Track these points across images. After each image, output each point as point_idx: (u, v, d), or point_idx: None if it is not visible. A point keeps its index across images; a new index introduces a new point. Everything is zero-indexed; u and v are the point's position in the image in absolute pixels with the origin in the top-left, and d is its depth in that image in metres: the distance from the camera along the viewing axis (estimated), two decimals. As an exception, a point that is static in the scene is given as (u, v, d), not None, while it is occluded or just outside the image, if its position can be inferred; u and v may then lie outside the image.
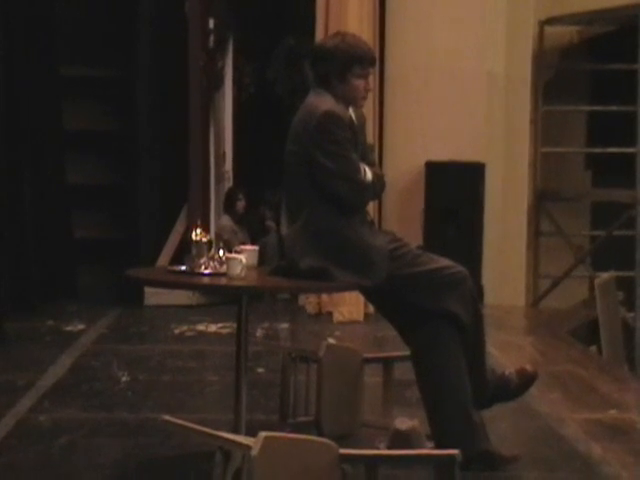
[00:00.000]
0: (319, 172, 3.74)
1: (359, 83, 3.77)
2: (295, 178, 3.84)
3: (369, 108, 7.42)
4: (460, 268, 3.84)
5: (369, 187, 3.79)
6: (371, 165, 3.88)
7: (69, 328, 6.80)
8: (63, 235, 8.12)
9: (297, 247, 3.79)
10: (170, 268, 4.08)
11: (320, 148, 3.72)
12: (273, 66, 9.31)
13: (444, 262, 3.84)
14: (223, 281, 3.77)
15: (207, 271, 3.81)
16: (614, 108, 7.96)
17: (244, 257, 3.79)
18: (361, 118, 3.91)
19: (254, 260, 3.96)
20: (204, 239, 3.84)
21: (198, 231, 3.85)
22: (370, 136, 7.48)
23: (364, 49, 3.80)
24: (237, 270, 3.73)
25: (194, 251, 3.84)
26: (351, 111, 3.83)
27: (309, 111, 3.77)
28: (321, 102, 3.75)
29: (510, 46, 7.86)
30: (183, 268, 3.88)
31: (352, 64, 3.75)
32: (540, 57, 8.17)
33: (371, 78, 3.83)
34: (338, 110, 3.74)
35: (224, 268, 3.78)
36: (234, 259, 3.76)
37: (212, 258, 3.83)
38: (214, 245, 3.91)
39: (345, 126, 3.73)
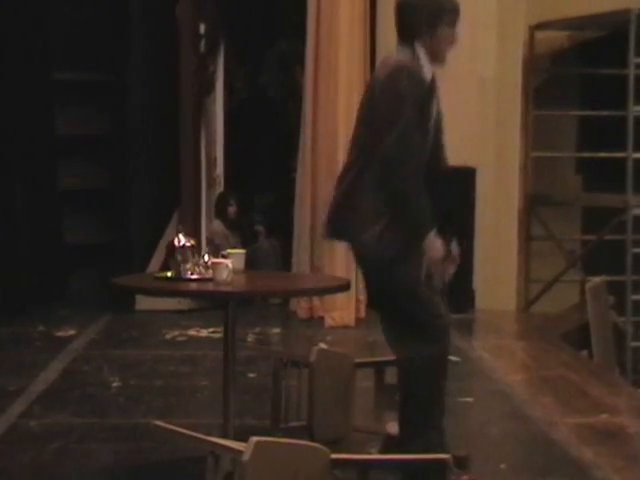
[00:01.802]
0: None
1: (448, 33, 3.80)
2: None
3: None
4: (444, 323, 3.81)
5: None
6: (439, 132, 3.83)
7: (60, 333, 6.79)
8: (54, 239, 8.10)
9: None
10: (157, 275, 4.07)
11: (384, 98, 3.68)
12: (265, 70, 9.31)
13: (435, 309, 3.79)
14: (210, 287, 3.77)
15: (193, 277, 3.81)
16: (604, 113, 7.98)
17: (230, 262, 3.79)
18: (435, 80, 3.88)
19: (241, 264, 3.96)
20: (187, 244, 3.83)
21: (181, 236, 3.85)
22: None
23: (452, 3, 3.84)
24: (223, 275, 3.73)
25: (179, 257, 3.83)
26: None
27: (384, 64, 3.79)
28: (396, 56, 3.77)
29: (501, 51, 7.88)
30: (168, 274, 3.87)
31: (443, 13, 3.78)
32: (531, 62, 8.19)
33: (457, 28, 3.83)
34: (408, 63, 3.73)
35: (210, 273, 3.78)
36: (220, 264, 3.76)
37: (198, 263, 3.82)
38: (205, 250, 3.91)
39: (416, 83, 3.70)
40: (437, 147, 3.87)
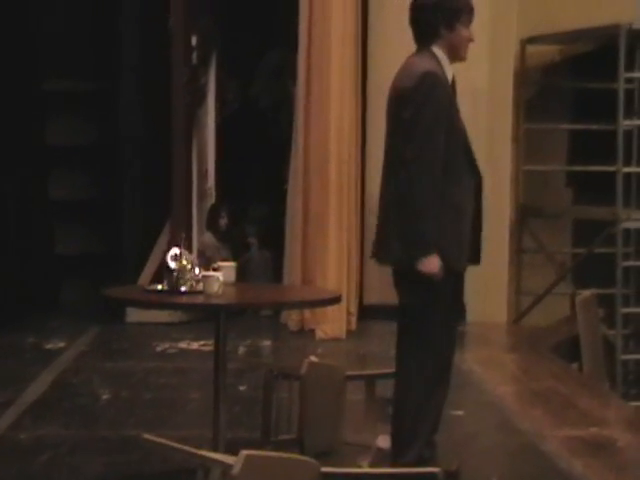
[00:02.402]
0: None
1: (466, 32, 3.85)
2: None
3: (352, 122, 7.45)
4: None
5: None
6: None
7: (50, 345, 6.77)
8: (45, 250, 8.09)
9: None
10: (148, 287, 4.07)
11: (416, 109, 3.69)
12: (257, 82, 9.32)
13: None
14: (200, 299, 3.77)
15: (183, 289, 3.81)
16: (595, 126, 8.01)
17: (221, 274, 3.79)
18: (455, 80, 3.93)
19: (232, 276, 3.96)
20: (182, 257, 3.83)
21: (176, 251, 3.84)
22: (354, 148, 7.52)
23: (466, 0, 3.89)
24: (214, 288, 3.73)
25: (173, 269, 3.83)
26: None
27: (408, 70, 3.79)
28: (421, 61, 3.79)
29: (493, 64, 7.90)
30: (159, 287, 3.87)
31: (460, 13, 3.83)
32: (522, 75, 8.21)
33: (471, 28, 3.89)
34: (433, 68, 3.76)
35: (201, 286, 3.79)
36: (211, 277, 3.76)
37: (190, 276, 3.82)
38: (196, 262, 3.90)
39: (443, 87, 3.74)
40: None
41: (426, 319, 3.77)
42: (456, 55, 3.85)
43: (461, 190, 3.78)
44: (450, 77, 3.84)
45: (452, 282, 3.83)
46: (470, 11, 3.88)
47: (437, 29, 3.80)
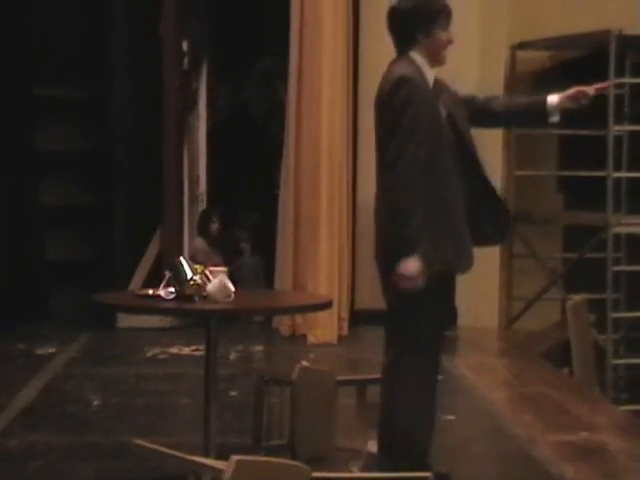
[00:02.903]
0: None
1: (444, 35, 3.83)
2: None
3: (343, 127, 7.46)
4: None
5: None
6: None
7: (41, 351, 6.75)
8: (36, 256, 8.08)
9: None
10: (139, 292, 4.07)
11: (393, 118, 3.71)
12: (248, 88, 9.33)
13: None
14: (191, 305, 3.76)
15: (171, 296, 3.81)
16: (585, 132, 8.03)
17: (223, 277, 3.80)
18: (441, 83, 3.91)
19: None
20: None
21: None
22: (346, 153, 7.52)
23: (442, 2, 3.88)
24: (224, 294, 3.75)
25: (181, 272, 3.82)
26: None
27: (386, 77, 3.81)
28: (398, 68, 3.79)
29: (483, 70, 7.92)
30: (150, 292, 3.87)
31: (436, 17, 3.82)
32: (512, 81, 8.23)
33: (450, 31, 3.87)
34: (409, 73, 3.76)
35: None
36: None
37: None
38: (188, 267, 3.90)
39: (420, 91, 3.74)
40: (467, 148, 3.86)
41: (413, 322, 3.75)
42: (435, 59, 3.84)
43: (451, 191, 3.76)
44: (431, 81, 3.84)
45: (442, 285, 3.81)
46: (447, 14, 3.87)
47: (413, 35, 3.81)
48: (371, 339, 7.13)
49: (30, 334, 7.26)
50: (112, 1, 7.98)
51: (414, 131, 3.68)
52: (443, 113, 3.84)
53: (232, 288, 3.73)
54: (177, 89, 7.87)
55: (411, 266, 3.64)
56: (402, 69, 3.76)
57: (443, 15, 3.84)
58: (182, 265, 3.78)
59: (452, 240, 3.78)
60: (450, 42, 3.85)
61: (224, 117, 9.27)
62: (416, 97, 3.71)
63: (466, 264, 3.89)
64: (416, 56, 3.81)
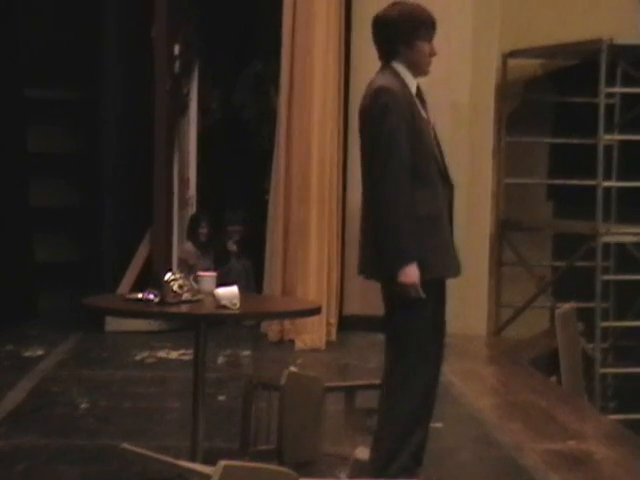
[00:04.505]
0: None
1: (425, 46, 3.80)
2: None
3: (334, 133, 7.46)
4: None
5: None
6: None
7: (29, 353, 6.73)
8: (24, 257, 8.05)
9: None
10: (128, 296, 4.06)
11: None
12: (239, 91, 9.32)
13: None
14: (180, 309, 3.76)
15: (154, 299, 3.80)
16: (575, 141, 8.05)
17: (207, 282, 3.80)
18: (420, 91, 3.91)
19: (212, 287, 3.96)
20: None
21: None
22: (336, 159, 7.53)
23: (426, 13, 3.84)
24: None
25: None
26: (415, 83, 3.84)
27: (368, 88, 3.82)
28: (379, 79, 3.79)
29: (474, 77, 7.94)
30: (139, 296, 3.86)
31: (418, 28, 3.79)
32: (504, 89, 8.25)
33: (434, 43, 3.84)
34: (388, 83, 3.75)
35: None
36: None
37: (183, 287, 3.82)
38: (177, 270, 3.90)
39: (398, 101, 3.72)
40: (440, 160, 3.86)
41: (412, 332, 3.75)
42: (417, 70, 3.83)
43: (435, 198, 3.77)
44: (414, 90, 3.83)
45: (437, 292, 3.82)
46: (431, 25, 3.83)
47: (395, 46, 3.80)
48: (360, 345, 7.13)
49: (18, 336, 7.24)
50: (103, 3, 7.97)
51: (393, 145, 3.68)
52: (429, 121, 3.85)
53: (238, 301, 3.75)
54: (168, 92, 7.87)
55: (411, 274, 3.65)
56: (382, 80, 3.78)
57: (425, 26, 3.81)
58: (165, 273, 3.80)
59: (441, 247, 3.79)
60: (432, 54, 3.83)
61: (215, 121, 9.26)
62: (395, 107, 3.71)
63: (456, 270, 3.90)
64: (399, 67, 3.81)
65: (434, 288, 3.79)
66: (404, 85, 3.79)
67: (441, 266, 3.80)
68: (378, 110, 3.72)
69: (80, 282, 7.59)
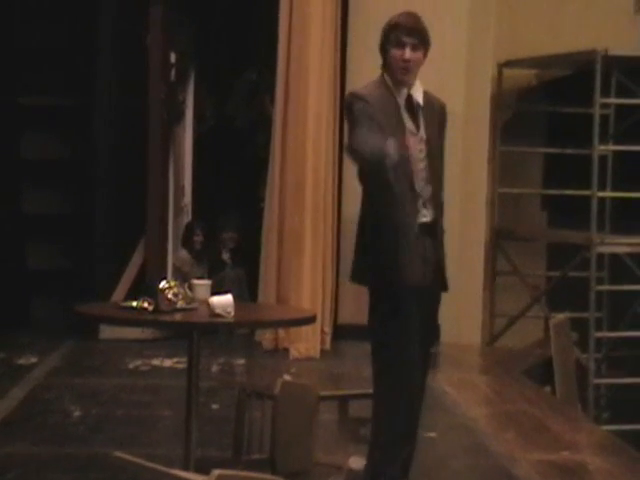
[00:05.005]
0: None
1: (395, 52, 3.75)
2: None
3: (329, 141, 7.46)
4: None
5: (356, 152, 3.61)
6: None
7: (21, 361, 6.71)
8: (17, 265, 8.03)
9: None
10: (122, 304, 4.05)
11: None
12: (234, 101, 9.32)
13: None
14: (173, 317, 3.75)
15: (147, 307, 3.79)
16: (570, 151, 8.07)
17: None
18: (433, 104, 3.86)
19: (207, 294, 3.95)
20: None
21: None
22: (331, 167, 7.52)
23: (398, 19, 3.79)
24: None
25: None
26: (414, 94, 3.78)
27: None
28: (363, 86, 3.81)
29: (469, 87, 7.95)
30: (134, 304, 3.86)
31: (388, 34, 3.77)
32: (498, 98, 8.27)
33: (408, 50, 3.74)
34: (363, 90, 3.75)
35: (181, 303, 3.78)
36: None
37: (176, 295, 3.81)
38: (172, 278, 3.90)
39: (363, 103, 3.68)
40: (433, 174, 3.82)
41: (391, 344, 3.72)
42: (394, 78, 3.78)
43: (401, 208, 3.73)
44: (402, 101, 3.78)
45: (415, 302, 3.74)
46: (399, 29, 3.75)
47: (382, 55, 3.80)
48: (354, 354, 7.12)
49: (11, 343, 7.21)
50: (98, 10, 7.97)
51: (365, 152, 3.57)
52: (420, 136, 3.78)
53: (232, 309, 3.75)
54: (163, 100, 7.86)
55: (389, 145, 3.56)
56: (362, 87, 3.81)
57: (393, 31, 3.77)
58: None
59: (405, 257, 3.73)
60: (401, 59, 3.74)
61: (209, 129, 9.25)
62: (361, 116, 3.66)
63: (419, 279, 3.77)
64: (387, 76, 3.81)
65: (409, 298, 3.72)
66: (390, 94, 3.76)
67: (408, 274, 3.72)
68: (347, 118, 3.75)
69: (73, 290, 7.57)
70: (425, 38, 3.80)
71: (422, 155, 3.81)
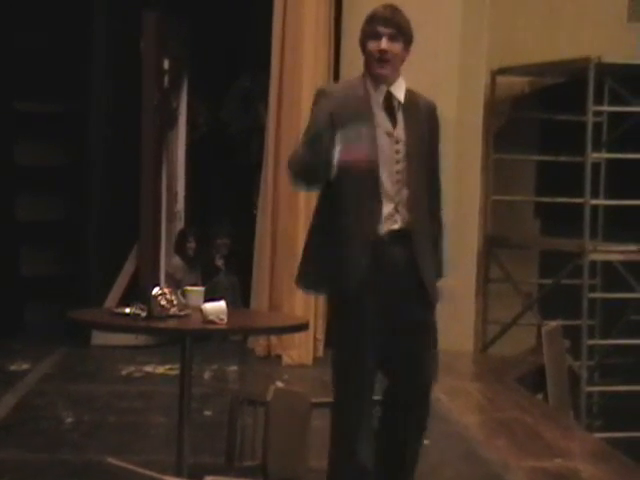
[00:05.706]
0: None
1: (371, 43, 3.55)
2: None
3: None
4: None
5: (288, 169, 3.54)
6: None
7: (14, 367, 6.70)
8: (10, 271, 8.03)
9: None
10: (115, 310, 4.05)
11: None
12: (227, 107, 9.33)
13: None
14: (166, 324, 3.75)
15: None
16: (563, 158, 8.09)
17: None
18: (417, 103, 3.62)
19: (200, 301, 3.96)
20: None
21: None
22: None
23: (375, 10, 3.58)
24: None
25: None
26: (395, 91, 3.58)
27: None
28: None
29: (462, 94, 7.96)
30: (127, 310, 3.86)
31: (364, 27, 3.59)
32: (492, 106, 8.29)
33: (384, 40, 3.53)
34: (329, 87, 3.68)
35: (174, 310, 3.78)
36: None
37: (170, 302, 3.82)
38: (165, 284, 3.90)
39: (324, 99, 3.55)
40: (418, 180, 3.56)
41: (336, 362, 3.63)
42: (371, 72, 3.58)
43: (348, 219, 3.51)
44: (380, 99, 3.56)
45: (385, 317, 3.53)
46: (374, 20, 3.55)
47: (362, 51, 3.62)
48: (346, 361, 7.10)
49: (3, 350, 7.20)
50: (92, 16, 7.97)
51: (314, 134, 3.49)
52: (396, 136, 3.55)
53: (225, 316, 3.75)
54: (157, 106, 7.87)
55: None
56: (336, 83, 3.74)
57: (370, 22, 3.57)
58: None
59: (342, 264, 3.53)
60: (379, 52, 3.52)
61: (202, 135, 9.26)
62: (319, 112, 3.54)
63: (357, 290, 3.52)
64: (366, 73, 3.61)
65: (351, 308, 3.50)
66: (364, 91, 3.55)
67: (342, 282, 3.51)
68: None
69: (66, 296, 7.56)
70: (404, 29, 3.57)
71: (399, 156, 3.54)
